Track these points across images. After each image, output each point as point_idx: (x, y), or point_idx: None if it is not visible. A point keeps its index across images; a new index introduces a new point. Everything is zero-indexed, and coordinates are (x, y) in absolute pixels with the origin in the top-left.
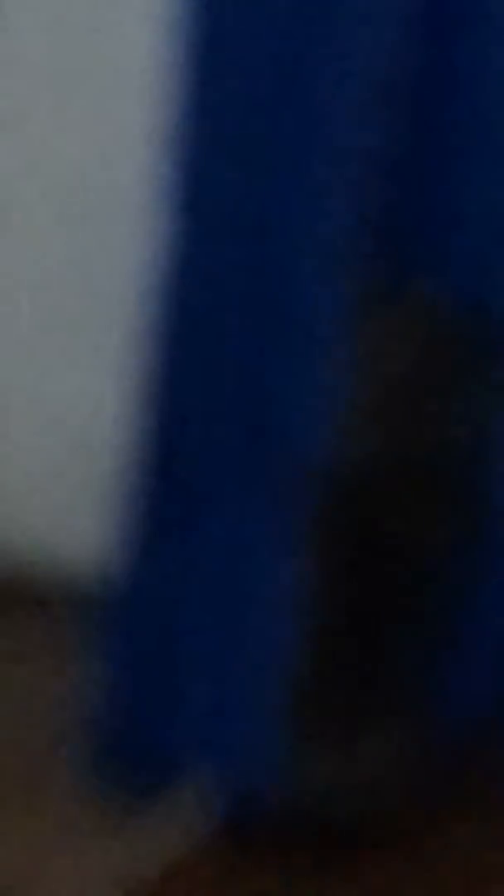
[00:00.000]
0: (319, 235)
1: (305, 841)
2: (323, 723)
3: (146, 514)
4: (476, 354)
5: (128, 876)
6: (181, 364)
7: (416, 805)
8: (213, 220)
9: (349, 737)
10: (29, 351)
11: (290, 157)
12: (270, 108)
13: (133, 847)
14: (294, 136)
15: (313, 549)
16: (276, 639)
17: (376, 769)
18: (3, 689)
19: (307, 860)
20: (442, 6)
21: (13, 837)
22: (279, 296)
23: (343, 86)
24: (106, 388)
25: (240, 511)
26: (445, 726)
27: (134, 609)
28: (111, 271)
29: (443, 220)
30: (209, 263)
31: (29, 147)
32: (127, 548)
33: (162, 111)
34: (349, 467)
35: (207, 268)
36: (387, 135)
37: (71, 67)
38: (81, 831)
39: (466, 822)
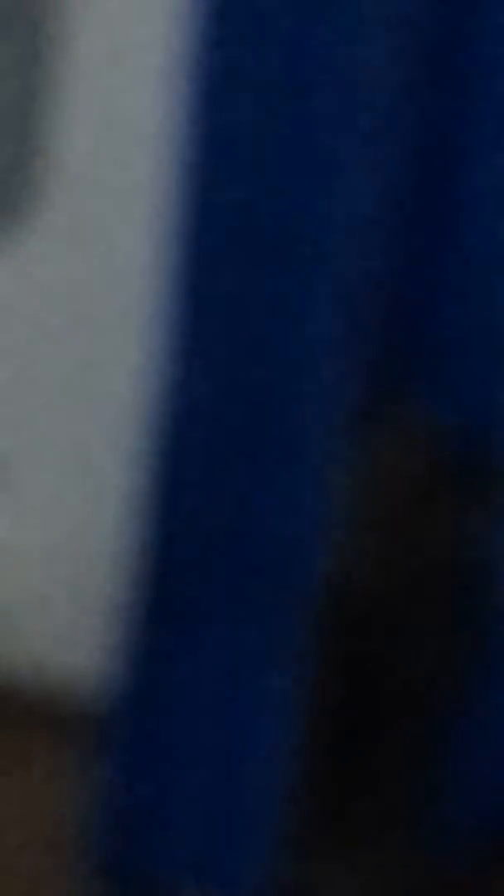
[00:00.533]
0: (315, 357)
1: None
2: (319, 840)
3: (142, 633)
4: (475, 478)
5: None
6: (175, 487)
7: None
8: (207, 343)
9: (346, 854)
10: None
11: (287, 274)
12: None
13: None
14: (289, 253)
15: (307, 670)
16: (270, 759)
17: (373, 884)
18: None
19: None
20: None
21: None
22: (271, 418)
23: (339, 210)
24: (105, 507)
25: (234, 632)
26: (444, 845)
27: (129, 728)
28: (109, 396)
29: (442, 341)
30: (202, 387)
31: None
32: (123, 667)
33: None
34: (344, 591)
35: (200, 391)
36: (386, 254)
37: None
38: None
39: None
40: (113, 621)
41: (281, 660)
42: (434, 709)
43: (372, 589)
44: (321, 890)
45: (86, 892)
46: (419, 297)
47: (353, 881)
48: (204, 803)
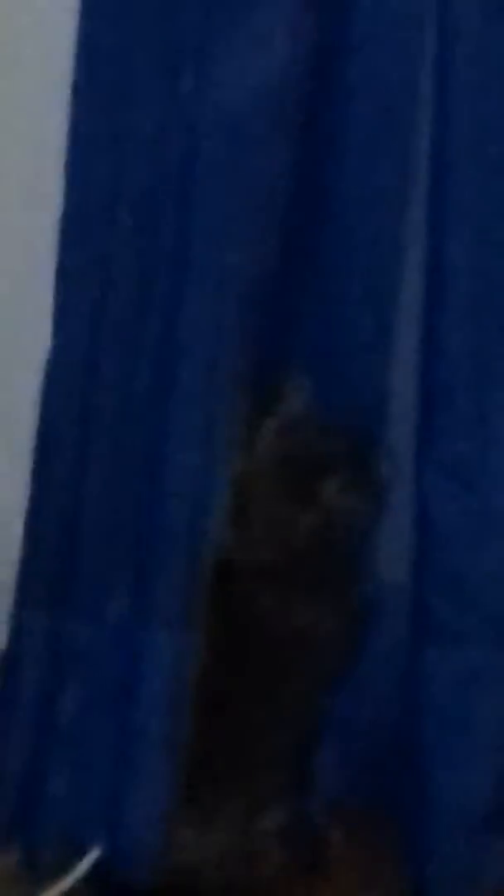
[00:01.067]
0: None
1: None
2: (204, 796)
3: (41, 593)
4: (357, 455)
5: None
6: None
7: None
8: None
9: (229, 810)
10: None
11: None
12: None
13: None
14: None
15: (198, 630)
16: (161, 716)
17: (252, 841)
18: None
19: None
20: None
21: None
22: (161, 396)
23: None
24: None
25: (130, 595)
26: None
27: (23, 686)
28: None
29: (324, 324)
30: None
31: None
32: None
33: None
34: (227, 556)
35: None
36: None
37: None
38: None
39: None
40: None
41: (171, 621)
42: (315, 671)
43: (257, 559)
44: (202, 845)
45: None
46: (298, 278)
47: (226, 839)
48: (100, 762)
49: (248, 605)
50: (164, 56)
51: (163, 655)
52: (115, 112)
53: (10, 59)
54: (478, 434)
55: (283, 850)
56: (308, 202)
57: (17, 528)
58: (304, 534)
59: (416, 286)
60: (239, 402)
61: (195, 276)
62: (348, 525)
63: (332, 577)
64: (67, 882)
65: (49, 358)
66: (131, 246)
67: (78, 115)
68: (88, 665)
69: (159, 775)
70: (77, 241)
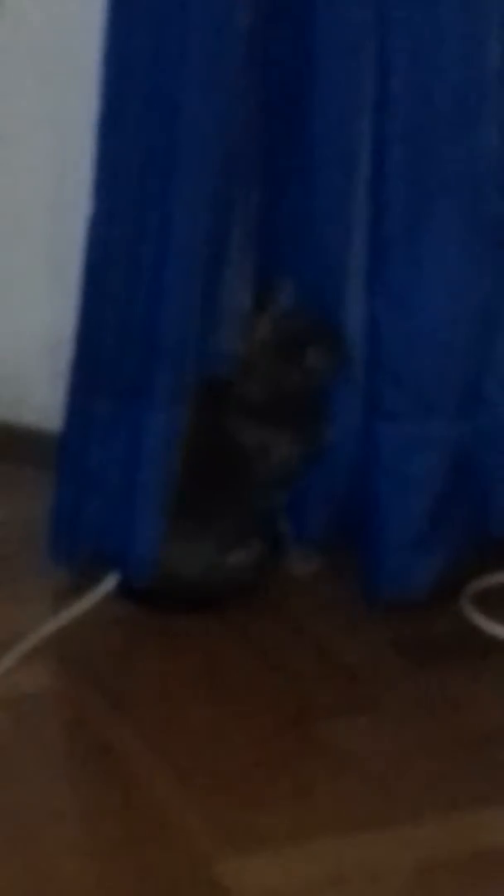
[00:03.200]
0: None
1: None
2: (192, 522)
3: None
4: (320, 334)
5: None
6: (101, 294)
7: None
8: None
9: (216, 534)
10: None
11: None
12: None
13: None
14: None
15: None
16: (160, 465)
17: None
18: None
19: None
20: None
21: None
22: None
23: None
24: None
25: (140, 396)
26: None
27: (74, 453)
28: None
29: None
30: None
31: None
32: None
33: None
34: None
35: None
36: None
37: None
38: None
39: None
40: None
41: (173, 408)
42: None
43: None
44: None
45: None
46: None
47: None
48: (116, 499)
49: (233, 420)
50: None
51: (161, 427)
52: None
53: None
54: (412, 273)
55: (246, 578)
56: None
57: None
58: (290, 385)
59: (366, 159)
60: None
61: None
62: (320, 380)
63: (303, 416)
64: (99, 592)
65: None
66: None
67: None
68: (112, 435)
69: (158, 514)
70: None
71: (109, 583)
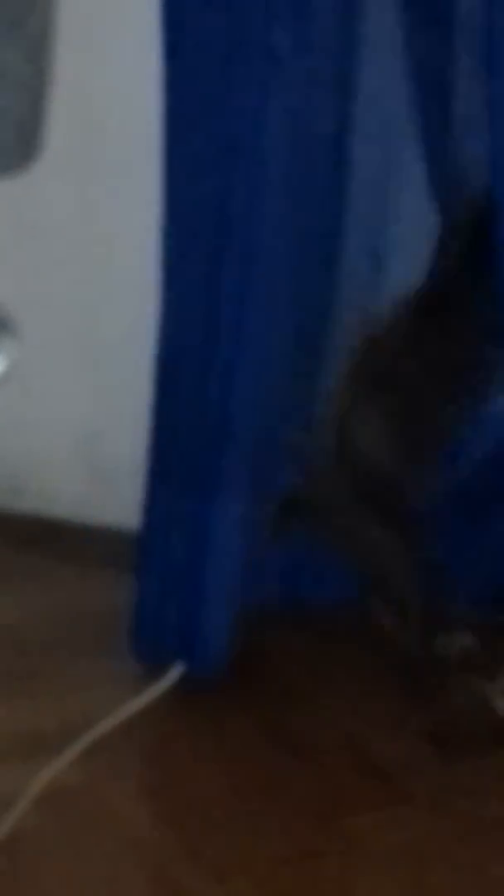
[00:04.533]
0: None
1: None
2: None
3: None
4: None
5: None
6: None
7: None
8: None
9: None
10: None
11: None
12: None
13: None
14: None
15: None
16: (232, 558)
17: None
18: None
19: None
20: None
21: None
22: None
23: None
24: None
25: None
26: None
27: (146, 557)
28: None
29: None
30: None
31: None
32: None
33: None
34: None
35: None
36: None
37: None
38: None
39: None
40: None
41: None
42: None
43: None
44: None
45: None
46: None
47: None
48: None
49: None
50: None
51: (233, 520)
52: None
53: None
54: None
55: None
56: None
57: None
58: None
59: None
60: None
61: None
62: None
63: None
64: (162, 686)
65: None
66: None
67: None
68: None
69: (227, 607)
70: None
71: (173, 676)
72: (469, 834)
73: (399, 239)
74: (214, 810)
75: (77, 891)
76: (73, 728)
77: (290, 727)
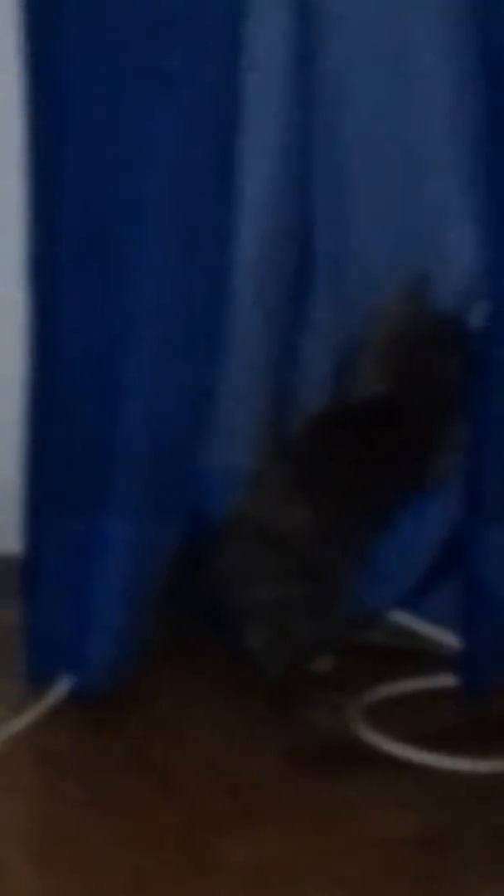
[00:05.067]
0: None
1: None
2: None
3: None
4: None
5: None
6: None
7: None
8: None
9: None
10: None
11: None
12: None
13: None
14: None
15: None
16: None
17: None
18: None
19: None
20: None
21: None
22: None
23: None
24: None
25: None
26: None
27: (37, 571)
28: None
29: None
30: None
31: None
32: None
33: None
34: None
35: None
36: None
37: None
38: None
39: None
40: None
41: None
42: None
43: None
44: None
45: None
46: None
47: None
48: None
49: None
50: None
51: (124, 539)
52: None
53: None
54: None
55: None
56: None
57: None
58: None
59: None
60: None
61: None
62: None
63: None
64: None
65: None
66: None
67: None
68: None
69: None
70: None
71: (60, 690)
72: (324, 852)
73: None
74: (80, 840)
75: None
76: None
77: (155, 752)
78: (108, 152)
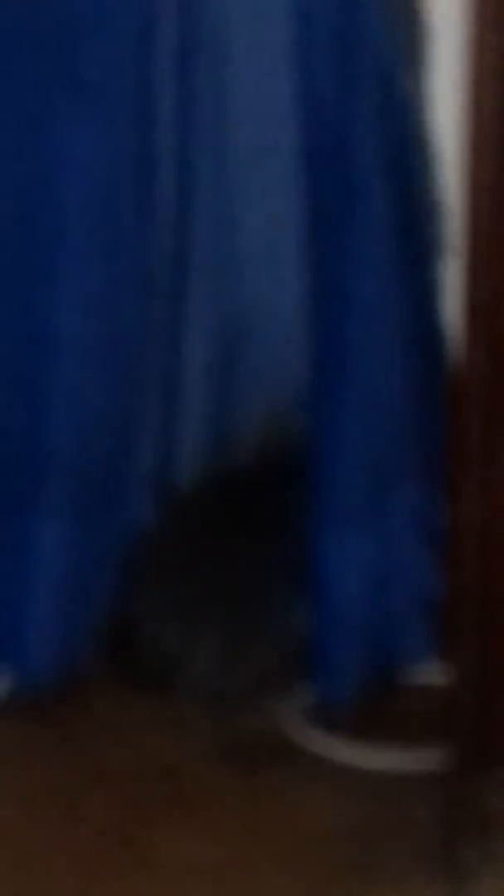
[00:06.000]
0: None
1: None
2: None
3: None
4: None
5: None
6: None
7: None
8: None
9: None
10: None
11: None
12: None
13: None
14: None
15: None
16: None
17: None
18: None
19: None
20: None
21: None
22: None
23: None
24: None
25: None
26: None
27: None
28: None
29: None
30: None
31: None
32: None
33: None
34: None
35: None
36: None
37: None
38: None
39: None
40: None
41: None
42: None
43: None
44: None
45: None
46: None
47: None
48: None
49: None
50: None
51: (52, 537)
52: None
53: None
54: None
55: None
56: None
57: None
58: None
59: None
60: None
61: None
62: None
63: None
64: None
65: None
66: None
67: None
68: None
69: (51, 624)
70: None
71: None
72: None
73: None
74: (13, 831)
75: None
76: None
77: (93, 752)
78: (25, 157)
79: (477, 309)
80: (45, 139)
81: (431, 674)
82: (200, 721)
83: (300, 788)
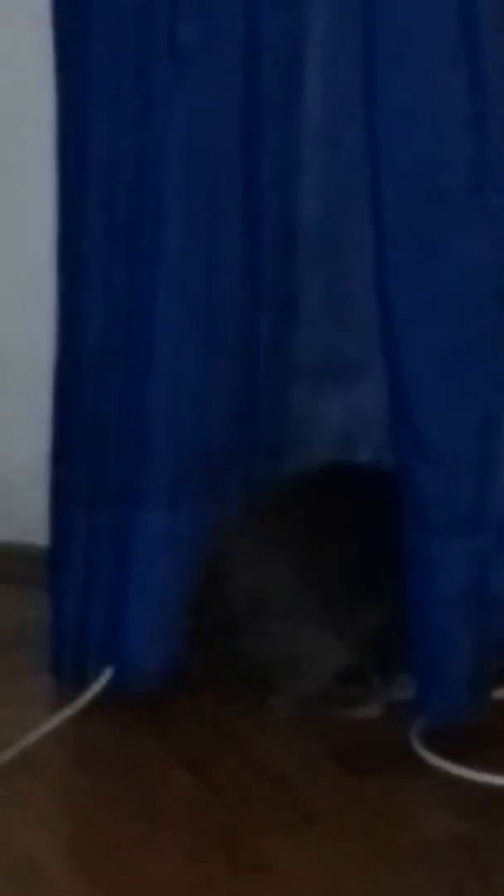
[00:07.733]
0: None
1: None
2: None
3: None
4: None
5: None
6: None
7: None
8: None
9: None
10: None
11: None
12: None
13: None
14: None
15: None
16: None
17: None
18: None
19: None
20: None
21: None
22: None
23: None
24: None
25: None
26: None
27: (64, 564)
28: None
29: None
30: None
31: None
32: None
33: None
34: None
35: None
36: None
37: None
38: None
39: None
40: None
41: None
42: None
43: None
44: None
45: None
46: None
47: None
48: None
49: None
50: None
51: (155, 528)
52: None
53: None
54: None
55: None
56: None
57: None
58: None
59: None
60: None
61: None
62: None
63: None
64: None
65: None
66: None
67: None
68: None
69: (153, 618)
70: None
71: (99, 685)
72: (373, 852)
73: None
74: (118, 837)
75: None
76: None
77: (202, 754)
78: (128, 146)
79: None
80: (148, 110)
81: None
82: (305, 725)
83: (412, 795)
